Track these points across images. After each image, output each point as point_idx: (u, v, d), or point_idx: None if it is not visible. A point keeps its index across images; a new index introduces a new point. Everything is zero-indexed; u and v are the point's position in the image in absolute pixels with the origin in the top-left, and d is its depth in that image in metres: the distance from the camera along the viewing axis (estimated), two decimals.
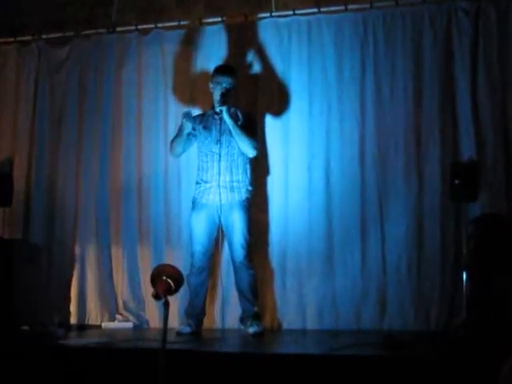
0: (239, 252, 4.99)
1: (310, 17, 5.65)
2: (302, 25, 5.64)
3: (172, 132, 5.77)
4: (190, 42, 5.86)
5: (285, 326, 5.41)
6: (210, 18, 5.86)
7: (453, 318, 5.03)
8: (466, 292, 4.73)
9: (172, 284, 2.92)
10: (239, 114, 5.16)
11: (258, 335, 4.86)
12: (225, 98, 4.99)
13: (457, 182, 5.02)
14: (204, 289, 5.13)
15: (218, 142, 5.03)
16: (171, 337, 4.50)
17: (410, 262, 5.23)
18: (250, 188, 5.12)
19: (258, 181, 5.43)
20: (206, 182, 5.06)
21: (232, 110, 5.09)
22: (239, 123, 5.06)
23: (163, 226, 5.74)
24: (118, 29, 6.07)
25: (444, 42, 5.34)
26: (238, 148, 5.05)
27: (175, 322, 5.38)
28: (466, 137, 5.21)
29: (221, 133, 5.03)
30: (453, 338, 4.21)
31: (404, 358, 3.62)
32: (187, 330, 4.97)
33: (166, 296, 2.89)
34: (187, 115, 5.02)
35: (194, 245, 5.07)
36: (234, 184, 5.04)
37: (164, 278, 2.92)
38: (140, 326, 5.62)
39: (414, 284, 5.20)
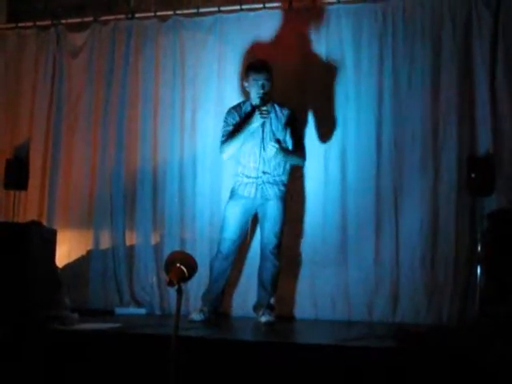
0: (271, 240, 4.99)
1: (329, 6, 5.62)
2: (320, 15, 5.61)
3: (188, 120, 5.79)
4: (208, 30, 5.84)
5: (297, 315, 5.42)
6: (228, 5, 5.85)
7: (466, 312, 5.02)
8: (479, 287, 4.72)
9: (186, 271, 2.92)
10: (281, 111, 5.09)
11: (269, 324, 4.88)
12: (264, 101, 4.94)
13: (473, 175, 5.00)
14: (225, 276, 5.12)
15: (261, 143, 4.97)
16: (184, 323, 4.51)
17: (423, 254, 5.21)
18: (286, 183, 5.10)
19: None
20: (247, 177, 5.03)
21: (269, 106, 4.98)
22: (282, 122, 5.04)
23: (178, 213, 5.76)
24: (137, 15, 6.07)
25: (463, 32, 5.30)
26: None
27: (187, 309, 5.42)
28: (484, 130, 5.18)
29: (263, 135, 4.98)
30: (465, 333, 4.20)
31: (415, 351, 3.62)
32: (200, 317, 4.99)
33: (179, 283, 2.89)
34: (267, 112, 4.88)
35: (225, 231, 5.04)
36: (273, 179, 5.01)
37: (178, 264, 2.92)
38: (153, 313, 5.64)
39: (427, 277, 5.19)
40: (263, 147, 4.95)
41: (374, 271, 5.30)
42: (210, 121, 5.75)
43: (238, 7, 5.80)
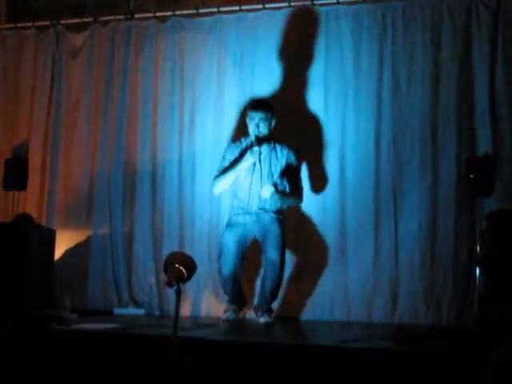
0: (274, 254, 4.98)
1: (329, 7, 5.62)
2: (319, 16, 5.61)
3: (187, 120, 5.79)
4: (207, 31, 5.84)
5: (296, 316, 5.41)
6: (228, 6, 5.84)
7: (465, 312, 5.02)
8: (478, 287, 4.71)
9: (184, 271, 2.92)
10: (281, 151, 5.11)
11: (268, 325, 4.87)
12: (260, 141, 4.97)
13: (472, 176, 5.00)
14: (240, 272, 5.13)
15: (259, 181, 5.01)
16: (183, 324, 4.51)
17: (422, 255, 5.21)
18: (282, 212, 5.12)
19: None
20: (242, 209, 5.07)
21: (269, 144, 5.07)
22: (282, 162, 5.07)
23: (176, 213, 5.75)
24: (136, 16, 6.07)
25: (463, 34, 5.30)
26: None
27: (186, 310, 5.42)
28: (483, 131, 5.18)
29: (261, 173, 5.03)
30: (464, 333, 4.20)
31: (414, 352, 3.61)
32: (233, 316, 5.08)
33: (178, 283, 2.89)
34: (257, 152, 4.92)
35: (224, 264, 5.04)
36: (269, 210, 5.04)
37: (177, 265, 2.92)
38: (151, 313, 5.64)
39: (426, 277, 5.19)
40: (261, 185, 4.99)
41: (373, 272, 5.30)
42: (209, 121, 5.76)
43: (237, 8, 5.80)
